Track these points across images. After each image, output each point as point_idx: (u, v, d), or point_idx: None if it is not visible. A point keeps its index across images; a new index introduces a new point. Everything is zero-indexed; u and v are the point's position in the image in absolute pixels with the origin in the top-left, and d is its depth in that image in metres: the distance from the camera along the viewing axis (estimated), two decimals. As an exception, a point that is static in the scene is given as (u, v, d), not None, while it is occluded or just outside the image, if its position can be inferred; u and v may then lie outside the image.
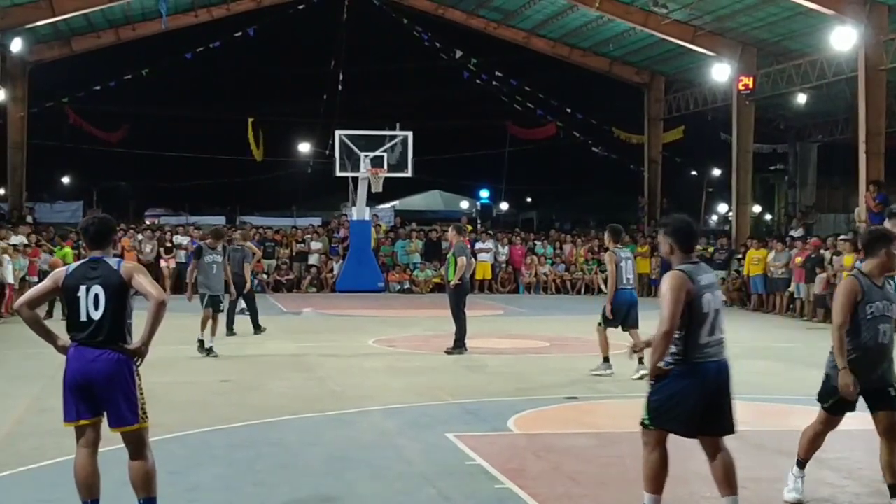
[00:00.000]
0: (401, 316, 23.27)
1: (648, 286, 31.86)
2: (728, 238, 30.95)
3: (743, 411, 11.09)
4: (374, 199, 34.42)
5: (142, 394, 6.22)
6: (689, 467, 8.21)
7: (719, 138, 36.28)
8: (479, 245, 31.18)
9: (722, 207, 50.35)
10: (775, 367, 14.91)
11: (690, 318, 6.05)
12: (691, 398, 6.11)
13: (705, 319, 6.10)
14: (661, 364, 6.10)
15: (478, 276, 29.68)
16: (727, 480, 6.36)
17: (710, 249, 29.60)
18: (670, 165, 38.96)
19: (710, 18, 29.26)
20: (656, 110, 37.38)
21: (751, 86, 30.43)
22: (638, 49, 34.53)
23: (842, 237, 22.90)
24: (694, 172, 49.41)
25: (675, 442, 6.35)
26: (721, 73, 30.93)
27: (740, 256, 27.97)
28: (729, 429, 6.37)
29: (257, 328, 17.95)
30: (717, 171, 46.99)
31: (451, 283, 15.65)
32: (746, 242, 28.44)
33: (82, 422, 6.16)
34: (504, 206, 55.48)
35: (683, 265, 6.25)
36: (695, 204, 51.31)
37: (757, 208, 41.34)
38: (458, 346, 15.46)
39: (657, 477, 6.36)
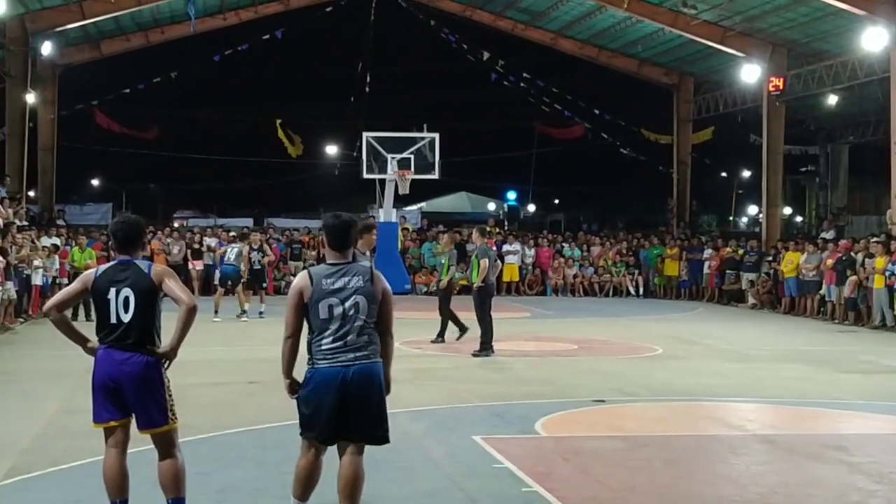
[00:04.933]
0: (427, 318, 23.23)
1: (678, 288, 31.78)
2: (758, 240, 30.77)
3: (773, 415, 11.09)
4: (401, 201, 34.46)
5: (170, 395, 6.26)
6: (717, 471, 8.18)
7: (749, 140, 36.08)
8: (505, 247, 31.18)
9: (752, 209, 50.10)
10: (806, 370, 14.80)
11: (311, 322, 6.00)
12: (317, 404, 5.98)
13: (327, 324, 5.96)
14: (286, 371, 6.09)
15: (505, 279, 29.70)
16: (347, 493, 6.06)
17: (741, 252, 29.44)
18: (699, 167, 38.79)
19: (739, 19, 29.12)
20: (685, 111, 37.23)
21: (781, 87, 30.25)
22: (667, 50, 34.42)
23: (874, 239, 22.72)
24: (723, 174, 49.17)
25: (699, 446, 6.32)
26: (751, 73, 30.76)
27: (770, 259, 27.81)
28: (360, 437, 6.09)
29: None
30: (746, 173, 46.77)
31: (475, 285, 15.75)
32: (777, 245, 28.27)
33: (111, 423, 6.20)
34: (531, 207, 55.41)
35: (319, 266, 6.20)
36: (724, 206, 51.14)
37: (787, 210, 41.05)
38: (485, 348, 15.47)
39: (302, 481, 6.17)
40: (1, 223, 22.15)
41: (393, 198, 31.40)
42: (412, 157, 30.81)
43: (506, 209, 52.19)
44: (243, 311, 21.21)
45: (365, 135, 31.44)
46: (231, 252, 21.55)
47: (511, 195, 53.06)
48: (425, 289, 31.23)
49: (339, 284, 6.01)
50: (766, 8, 27.70)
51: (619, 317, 24.17)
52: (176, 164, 47.05)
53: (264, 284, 21.76)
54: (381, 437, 6.15)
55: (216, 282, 22.14)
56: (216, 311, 20.49)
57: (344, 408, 5.97)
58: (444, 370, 14.14)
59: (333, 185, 44.66)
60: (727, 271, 29.48)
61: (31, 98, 29.74)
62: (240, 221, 39.68)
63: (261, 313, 21.19)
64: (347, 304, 5.97)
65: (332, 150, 43.61)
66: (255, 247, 21.89)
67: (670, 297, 31.49)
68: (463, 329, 16.88)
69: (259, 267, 21.84)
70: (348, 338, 5.98)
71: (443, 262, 17.80)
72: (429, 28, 34.30)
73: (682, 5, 28.18)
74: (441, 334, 17.11)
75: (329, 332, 5.99)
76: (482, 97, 46.10)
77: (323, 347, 6.00)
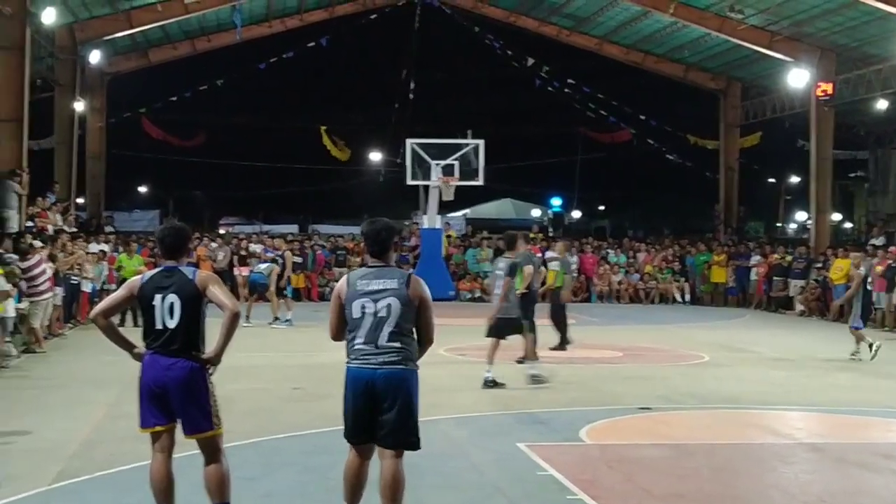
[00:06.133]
0: (471, 324, 23.19)
1: (724, 295, 31.52)
2: (807, 247, 30.43)
3: (822, 423, 10.95)
4: (445, 208, 34.52)
5: (215, 400, 6.31)
6: (764, 479, 8.10)
7: (797, 145, 35.71)
8: (549, 254, 31.02)
9: (800, 215, 49.54)
10: (854, 378, 14.62)
11: (347, 321, 6.15)
12: (348, 403, 6.13)
13: (358, 324, 6.08)
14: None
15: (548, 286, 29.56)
16: (387, 496, 6.06)
17: (789, 258, 29.14)
18: (747, 172, 38.44)
19: (787, 23, 28.84)
20: (732, 116, 36.93)
21: (829, 91, 29.91)
22: (714, 55, 34.17)
23: (925, 246, 22.39)
24: (771, 180, 48.71)
25: (746, 454, 6.26)
26: (799, 78, 30.43)
27: (819, 265, 27.48)
28: (388, 443, 6.08)
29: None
30: (794, 179, 46.28)
31: (519, 291, 15.60)
32: (826, 251, 27.93)
33: (157, 428, 6.25)
34: (576, 214, 55.26)
35: (358, 269, 6.40)
36: (772, 212, 50.66)
37: (836, 216, 40.58)
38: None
39: (345, 483, 6.24)
40: (50, 229, 22.46)
41: (437, 204, 31.44)
42: (456, 163, 30.84)
43: (550, 215, 52.11)
44: (277, 318, 21.46)
45: (409, 141, 31.53)
46: (262, 263, 22.22)
47: (555, 201, 52.97)
48: (469, 295, 31.23)
49: (373, 286, 6.11)
50: (814, 12, 27.40)
51: (664, 324, 24.00)
52: (222, 171, 47.49)
53: (285, 292, 22.03)
54: (409, 444, 6.16)
55: (245, 291, 22.46)
56: (247, 317, 20.64)
57: (372, 411, 6.04)
58: (502, 375, 14.09)
59: (378, 191, 44.85)
60: (775, 278, 29.19)
61: (79, 106, 30.11)
62: (285, 228, 39.95)
63: (287, 320, 21.43)
64: (380, 304, 6.06)
65: (376, 156, 43.80)
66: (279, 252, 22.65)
67: (717, 304, 31.23)
68: (564, 342, 16.77)
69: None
70: (379, 340, 6.05)
71: (555, 268, 17.76)
72: (473, 34, 34.32)
73: (729, 10, 27.96)
74: (563, 342, 16.93)
75: (360, 332, 6.09)
76: (526, 103, 46.06)
77: (355, 346, 6.12)
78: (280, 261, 22.06)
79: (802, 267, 28.14)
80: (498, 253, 32.59)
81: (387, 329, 6.05)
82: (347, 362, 6.15)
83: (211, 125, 40.65)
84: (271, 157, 45.61)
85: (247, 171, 47.99)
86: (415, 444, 6.17)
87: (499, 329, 13.07)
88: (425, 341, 6.25)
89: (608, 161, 45.64)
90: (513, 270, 13.06)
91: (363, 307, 6.07)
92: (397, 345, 6.06)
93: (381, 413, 6.03)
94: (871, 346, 16.48)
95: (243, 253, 30.08)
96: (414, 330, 6.20)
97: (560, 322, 17.12)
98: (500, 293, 13.03)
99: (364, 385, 6.04)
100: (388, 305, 6.05)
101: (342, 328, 6.22)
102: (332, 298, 6.33)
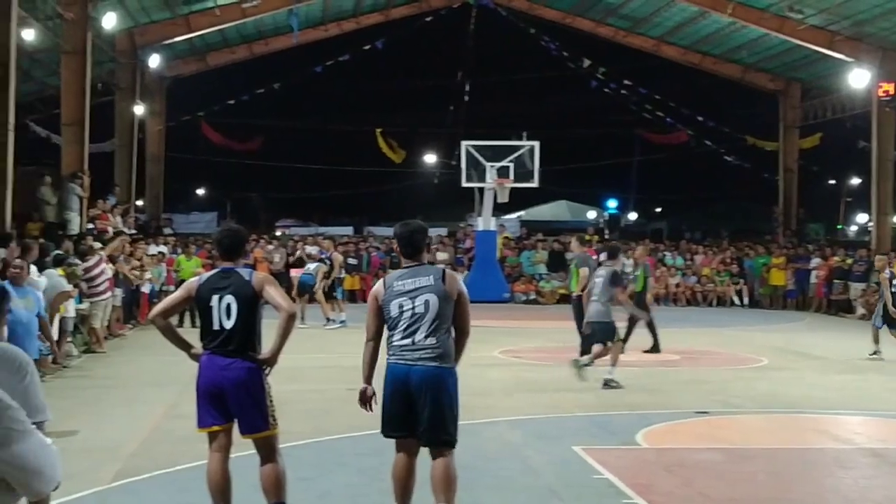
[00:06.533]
0: (526, 326, 23.24)
1: (784, 298, 31.14)
2: (868, 249, 29.93)
3: (881, 428, 10.77)
4: (500, 210, 34.47)
5: (271, 401, 6.36)
6: (823, 485, 7.99)
7: (858, 146, 35.14)
8: (603, 256, 30.86)
9: (861, 217, 48.76)
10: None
11: (386, 321, 6.26)
12: (385, 398, 6.22)
13: (397, 322, 6.16)
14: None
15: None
16: (438, 490, 6.16)
17: (849, 261, 28.71)
18: (806, 174, 37.92)
19: (848, 23, 28.39)
20: (792, 117, 36.47)
21: (892, 92, 29.38)
22: (772, 55, 33.76)
23: None
24: (831, 181, 48.01)
25: (805, 459, 6.17)
26: (860, 79, 29.93)
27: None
28: (424, 439, 6.21)
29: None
30: (855, 180, 45.57)
31: (574, 293, 15.62)
32: (889, 254, 27.46)
33: (214, 427, 6.33)
34: (632, 216, 54.91)
35: (395, 271, 6.50)
36: (832, 214, 49.91)
37: (898, 218, 39.83)
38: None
39: (393, 481, 6.31)
40: (110, 231, 22.79)
41: (492, 206, 31.42)
42: (511, 165, 30.78)
43: (606, 217, 51.82)
44: (329, 320, 21.64)
45: (464, 143, 31.54)
46: (311, 264, 22.34)
47: (611, 203, 52.66)
48: (523, 297, 31.17)
49: (409, 285, 6.22)
50: (876, 12, 26.95)
51: (722, 327, 23.76)
52: (278, 174, 47.81)
53: (335, 293, 22.54)
54: (444, 441, 6.22)
55: (293, 293, 22.43)
56: (302, 318, 20.75)
57: (409, 407, 6.15)
58: (544, 379, 14.07)
59: (433, 193, 44.90)
60: (835, 281, 28.78)
61: (139, 110, 30.51)
62: (340, 230, 40.14)
63: (341, 321, 21.65)
64: (417, 301, 6.17)
65: (431, 158, 43.89)
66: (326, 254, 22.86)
67: (776, 307, 30.86)
68: (656, 345, 16.78)
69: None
70: (416, 336, 6.15)
71: (637, 273, 17.75)
72: (528, 36, 34.24)
73: (789, 10, 27.60)
74: (655, 344, 16.91)
75: (399, 329, 6.20)
76: (582, 104, 45.84)
77: (393, 343, 6.22)
78: (328, 262, 22.22)
79: (863, 270, 27.70)
80: (553, 256, 32.68)
81: (424, 326, 6.15)
82: (387, 359, 6.27)
83: (267, 128, 41.02)
84: (327, 160, 45.80)
85: (303, 174, 48.25)
86: (450, 442, 6.23)
87: (601, 334, 13.39)
88: (462, 332, 6.33)
89: (665, 163, 45.28)
90: (615, 279, 13.46)
91: (401, 306, 6.19)
92: (433, 341, 6.15)
93: (418, 410, 6.13)
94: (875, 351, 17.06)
95: (298, 254, 30.25)
96: (452, 328, 6.29)
97: (648, 325, 17.04)
98: (596, 298, 13.53)
99: (400, 381, 6.16)
100: (426, 302, 6.16)
101: (376, 330, 6.34)
102: (368, 300, 6.47)
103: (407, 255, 6.37)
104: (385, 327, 6.31)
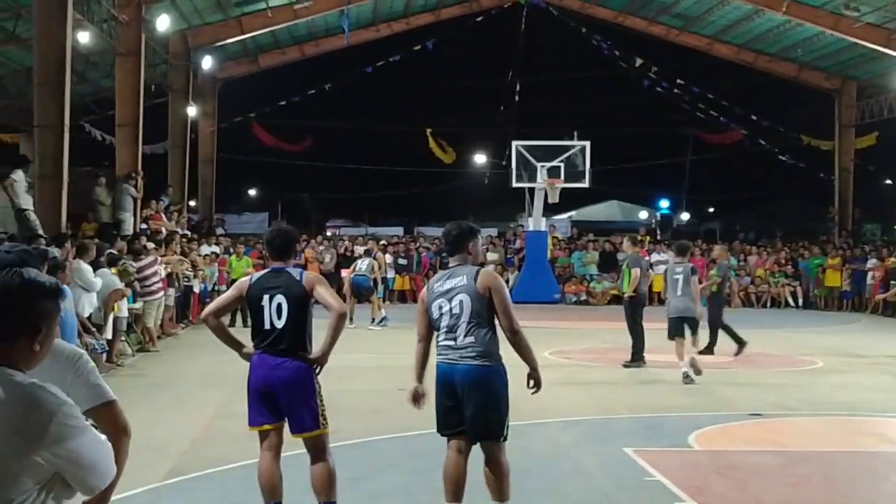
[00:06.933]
0: (577, 328, 23.16)
1: (839, 300, 30.72)
2: (925, 250, 29.45)
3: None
4: (550, 210, 34.37)
5: (322, 401, 6.39)
6: (879, 489, 7.86)
7: (916, 145, 34.59)
8: (655, 256, 30.70)
9: (920, 218, 47.93)
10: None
11: (430, 325, 6.41)
12: (436, 397, 6.35)
13: (439, 322, 6.29)
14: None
15: (655, 289, 29.23)
16: (490, 486, 6.33)
17: (906, 262, 28.27)
18: (862, 173, 37.35)
19: (905, 20, 27.95)
20: (848, 117, 35.96)
21: (950, 90, 28.90)
22: (828, 53, 33.31)
23: None
24: (888, 181, 47.22)
25: (860, 463, 6.07)
26: (917, 77, 29.47)
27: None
28: (472, 434, 6.29)
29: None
30: (913, 180, 44.83)
31: (626, 294, 15.61)
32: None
33: (265, 426, 6.37)
34: (685, 216, 54.46)
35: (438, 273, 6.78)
36: (889, 214, 49.08)
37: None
38: (636, 359, 15.29)
39: (444, 478, 6.36)
40: (164, 232, 23.05)
41: (542, 206, 31.35)
42: (562, 165, 30.70)
43: (658, 218, 51.45)
44: (373, 320, 21.83)
45: (514, 143, 31.51)
46: (362, 264, 22.23)
47: (663, 203, 52.28)
48: (574, 298, 31.06)
49: (447, 286, 6.34)
50: (935, 8, 26.52)
51: (776, 328, 23.50)
52: (329, 174, 48.10)
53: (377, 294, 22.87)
54: (489, 436, 6.29)
55: (344, 291, 22.45)
56: (350, 319, 20.88)
57: (456, 404, 6.25)
58: (595, 380, 14.02)
59: (483, 193, 44.90)
60: (892, 282, 28.32)
61: (192, 111, 30.81)
62: (390, 230, 40.26)
63: (382, 318, 21.93)
64: (454, 302, 6.27)
65: (481, 158, 43.86)
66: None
67: (831, 308, 30.46)
68: (740, 344, 16.63)
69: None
70: (457, 335, 6.25)
71: (713, 273, 17.73)
72: (580, 35, 34.09)
73: (844, 7, 27.22)
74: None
75: (441, 329, 6.32)
76: (634, 104, 45.61)
77: (439, 343, 6.36)
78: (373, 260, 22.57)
79: (921, 270, 27.25)
80: (604, 256, 32.54)
81: (462, 325, 6.25)
82: (437, 358, 6.40)
83: (318, 129, 41.26)
84: (377, 160, 45.99)
85: (353, 174, 48.50)
86: (495, 436, 6.30)
87: (679, 326, 14.10)
88: (507, 330, 6.30)
89: (719, 162, 44.87)
90: (694, 273, 14.40)
91: (440, 307, 6.31)
92: (472, 340, 6.23)
93: (464, 407, 6.23)
94: None
95: (348, 255, 30.40)
96: (495, 325, 6.35)
97: (724, 327, 16.89)
98: (681, 294, 14.26)
99: (446, 380, 6.29)
100: (460, 302, 6.26)
101: (425, 330, 6.47)
102: (418, 302, 6.62)
103: (449, 255, 6.57)
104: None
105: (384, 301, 24.38)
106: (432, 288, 6.42)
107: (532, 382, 6.46)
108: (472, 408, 6.21)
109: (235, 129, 35.91)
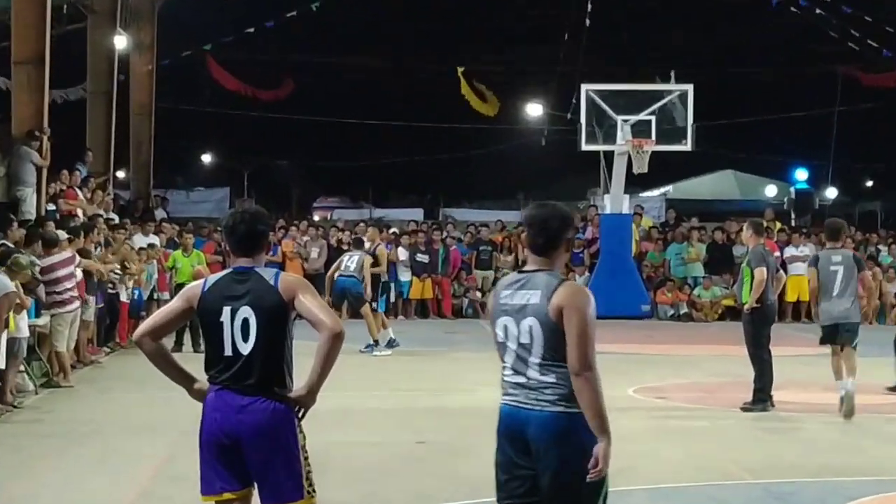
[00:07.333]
0: (674, 353, 23.09)
1: None
2: None
3: None
4: (636, 184, 34.33)
5: (307, 458, 6.40)
6: None
7: None
8: (790, 251, 30.57)
9: None
10: None
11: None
12: (497, 452, 6.23)
13: (503, 349, 6.20)
14: None
15: (789, 298, 29.12)
16: None
17: None
18: None
19: None
20: None
21: None
22: None
23: None
24: None
25: None
26: None
27: None
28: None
29: None
30: None
31: (747, 306, 15.47)
32: None
33: (226, 495, 6.38)
34: (831, 192, 54.20)
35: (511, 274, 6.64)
36: None
37: None
38: (761, 398, 15.19)
39: None
40: (81, 215, 23.10)
41: (624, 180, 31.28)
42: (653, 119, 30.61)
43: (792, 195, 51.18)
44: (375, 343, 21.59)
45: (584, 88, 31.42)
46: (350, 261, 21.89)
47: (800, 174, 52.02)
48: (671, 311, 30.96)
49: (516, 299, 6.18)
50: None
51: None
52: (317, 134, 48.11)
53: (374, 305, 22.09)
54: None
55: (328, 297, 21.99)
56: None
57: (527, 465, 6.09)
58: (699, 430, 13.98)
59: (537, 161, 44.89)
60: None
61: (120, 42, 30.74)
62: (405, 213, 40.25)
63: (382, 344, 21.65)
64: (523, 326, 6.12)
65: (535, 110, 43.71)
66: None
67: None
68: None
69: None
70: (528, 373, 6.10)
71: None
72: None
73: None
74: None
75: (507, 359, 6.20)
76: (758, 33, 45.40)
77: (504, 378, 6.22)
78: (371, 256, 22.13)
79: None
80: (714, 250, 32.35)
81: (533, 359, 6.10)
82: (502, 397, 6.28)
83: (302, 67, 41.30)
84: (386, 113, 45.95)
85: (352, 134, 48.49)
86: None
87: (847, 337, 14.50)
88: (571, 369, 6.02)
89: (880, 115, 44.60)
90: (860, 264, 14.81)
91: (506, 328, 6.19)
92: (551, 379, 6.05)
93: (538, 474, 6.08)
94: None
95: (346, 248, 30.33)
96: None
97: None
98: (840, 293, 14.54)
99: (514, 429, 6.14)
100: (530, 329, 6.10)
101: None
102: (485, 311, 6.48)
103: (534, 249, 6.30)
104: None
105: (389, 315, 24.07)
106: (499, 295, 6.27)
107: (592, 461, 6.05)
108: (551, 474, 6.03)
109: (184, 67, 35.99)
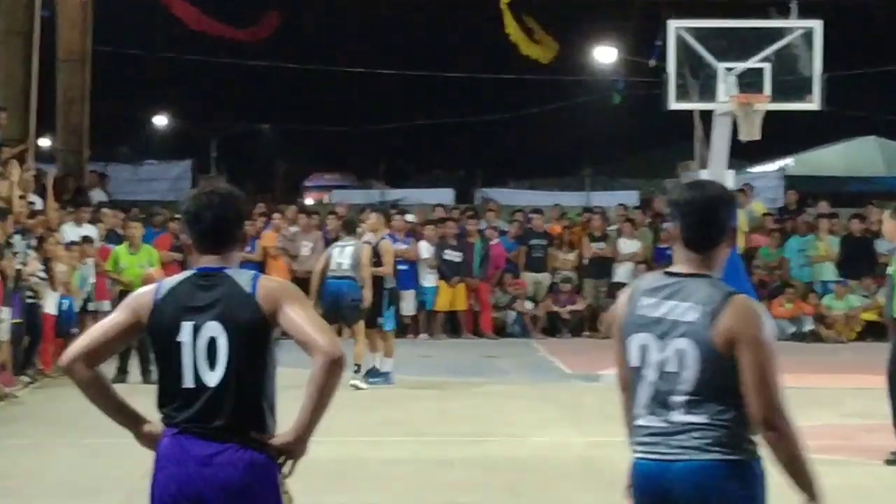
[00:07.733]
0: (797, 385, 23.04)
1: None
2: None
3: None
4: (742, 156, 34.31)
5: (294, 527, 6.41)
6: None
7: None
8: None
9: None
10: None
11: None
12: None
13: (637, 381, 6.12)
14: None
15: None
16: None
17: None
18: None
19: None
20: None
21: None
22: None
23: None
24: None
25: None
26: None
27: None
28: None
29: None
30: None
31: (896, 320, 15.43)
32: None
33: (187, 576, 6.40)
34: None
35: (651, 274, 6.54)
36: None
37: None
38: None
39: None
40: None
41: (728, 150, 31.29)
42: (767, 67, 30.55)
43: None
44: (370, 370, 21.42)
45: (673, 25, 31.39)
46: (342, 255, 21.76)
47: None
48: (792, 328, 30.92)
49: (661, 311, 6.08)
50: None
51: None
52: (308, 88, 48.28)
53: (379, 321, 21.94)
54: None
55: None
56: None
57: None
58: (833, 488, 13.94)
59: (609, 125, 44.97)
60: None
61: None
62: (429, 194, 40.32)
63: (384, 374, 21.61)
64: (668, 348, 6.01)
65: (605, 57, 43.77)
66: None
67: None
68: None
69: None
70: (670, 415, 6.02)
71: None
72: None
73: None
74: None
75: (641, 394, 6.09)
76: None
77: (637, 422, 6.13)
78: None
79: None
80: (850, 246, 32.24)
81: (679, 395, 6.00)
82: (632, 450, 6.20)
83: (288, 1, 41.48)
84: (401, 63, 46.05)
85: (356, 89, 48.62)
86: None
87: None
88: (757, 419, 5.94)
89: None
90: None
91: (643, 349, 6.09)
92: (702, 419, 5.97)
93: None
94: None
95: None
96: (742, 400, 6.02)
97: None
98: None
99: (652, 488, 6.08)
100: (680, 352, 6.00)
101: (629, 376, 6.24)
102: (613, 324, 6.43)
103: (688, 246, 6.22)
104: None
105: (407, 334, 23.86)
106: (637, 302, 6.16)
107: None
108: None
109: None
